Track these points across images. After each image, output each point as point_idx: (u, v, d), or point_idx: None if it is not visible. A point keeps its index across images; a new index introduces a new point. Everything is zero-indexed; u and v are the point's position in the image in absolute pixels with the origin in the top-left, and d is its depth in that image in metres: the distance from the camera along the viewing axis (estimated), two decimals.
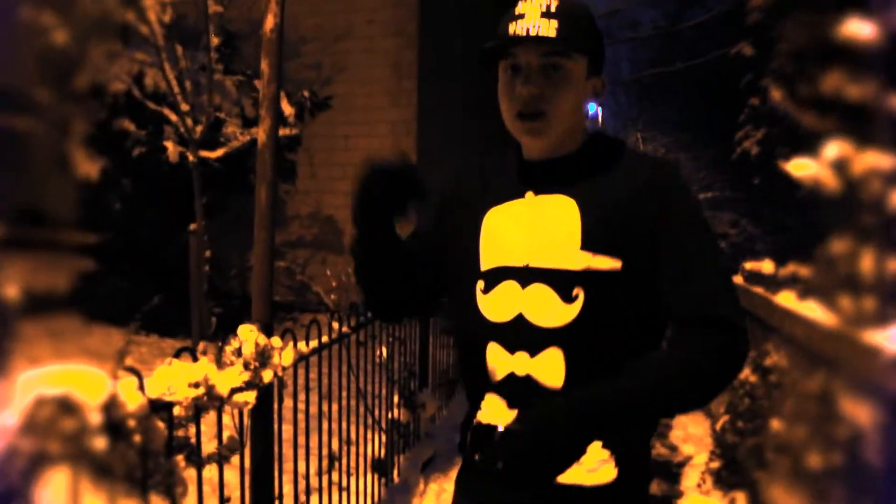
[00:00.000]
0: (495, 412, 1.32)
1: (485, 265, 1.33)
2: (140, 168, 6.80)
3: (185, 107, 5.62)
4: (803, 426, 2.94)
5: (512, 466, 1.20)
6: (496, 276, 1.32)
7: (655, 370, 1.23)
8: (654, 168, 1.31)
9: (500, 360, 1.31)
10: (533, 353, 1.28)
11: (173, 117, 5.82)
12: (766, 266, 3.92)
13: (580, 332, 1.26)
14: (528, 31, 1.25)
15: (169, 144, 5.83)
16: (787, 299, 3.03)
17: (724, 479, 3.76)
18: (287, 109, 6.13)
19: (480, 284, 1.34)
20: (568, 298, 1.26)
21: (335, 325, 2.65)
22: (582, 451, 1.19)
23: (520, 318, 1.29)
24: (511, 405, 1.30)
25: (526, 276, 1.29)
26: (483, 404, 1.34)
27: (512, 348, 1.30)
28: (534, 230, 1.30)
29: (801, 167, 2.75)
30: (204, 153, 5.75)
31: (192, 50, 6.20)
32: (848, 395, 2.47)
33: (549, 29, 1.25)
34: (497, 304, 1.31)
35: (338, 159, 8.40)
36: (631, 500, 1.33)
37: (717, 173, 14.41)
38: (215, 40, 5.55)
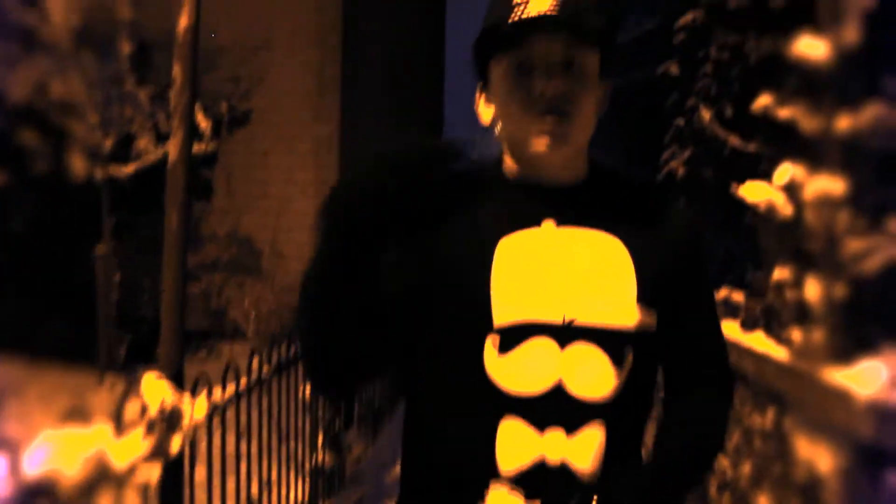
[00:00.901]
0: None
1: (502, 317, 1.01)
2: (44, 184, 6.39)
3: (93, 118, 5.28)
4: (750, 464, 2.82)
5: None
6: (521, 333, 1.01)
7: (696, 438, 1.13)
8: (684, 214, 1.14)
9: (523, 443, 1.01)
10: (570, 432, 1.01)
11: (80, 130, 5.46)
12: None
13: (624, 403, 1.04)
14: (542, 13, 0.98)
15: (75, 159, 5.46)
16: (731, 329, 2.93)
17: None
18: (203, 123, 5.83)
19: (493, 341, 1.01)
20: (619, 362, 1.03)
21: (255, 364, 2.40)
22: None
23: (558, 389, 1.01)
24: (530, 497, 1.01)
25: (567, 334, 1.01)
26: (488, 501, 1.01)
27: (542, 426, 1.00)
28: (574, 273, 1.03)
29: (755, 191, 2.62)
30: (113, 169, 5.41)
31: (103, 58, 5.85)
32: (805, 437, 2.35)
33: (588, 8, 1.01)
34: (524, 370, 1.01)
35: (256, 176, 8.08)
36: None
37: None
38: (127, 48, 5.23)
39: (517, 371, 1.01)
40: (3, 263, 6.36)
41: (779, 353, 2.42)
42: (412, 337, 1.07)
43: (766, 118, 5.00)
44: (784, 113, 4.64)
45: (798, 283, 2.89)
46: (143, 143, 5.99)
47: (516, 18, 0.99)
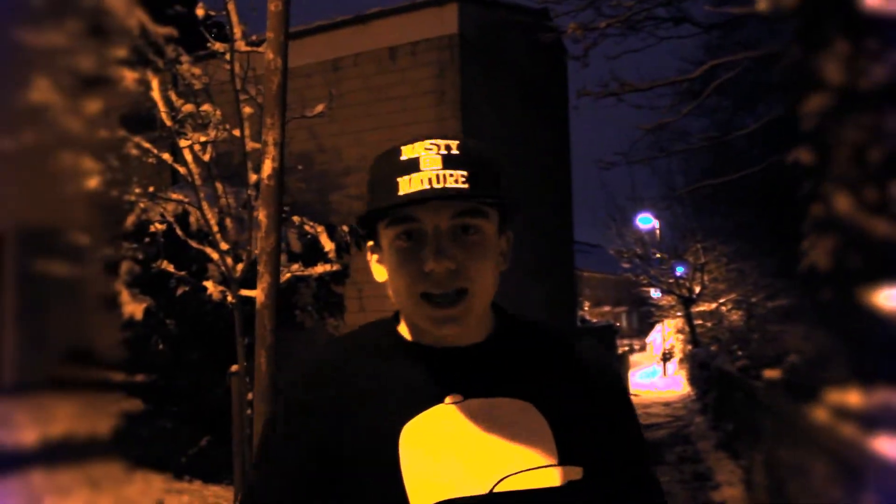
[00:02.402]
0: None
1: (421, 501, 0.96)
2: (183, 308, 6.72)
3: (224, 245, 5.52)
4: None
5: None
6: None
7: None
8: (601, 361, 1.10)
9: None
10: None
11: (215, 256, 5.73)
12: (853, 397, 3.50)
13: None
14: (430, 184, 0.96)
15: (209, 284, 5.71)
16: (887, 446, 2.62)
17: None
18: (327, 245, 5.98)
19: None
20: None
21: None
22: None
23: None
24: None
25: None
26: None
27: None
28: (490, 444, 0.98)
29: (893, 298, 2.38)
30: (244, 292, 5.60)
31: (238, 186, 6.17)
32: None
33: (459, 180, 0.96)
34: None
35: (386, 291, 8.20)
36: None
37: (781, 281, 13.90)
38: (254, 177, 5.48)
39: None
40: (151, 383, 6.67)
41: None
42: None
43: None
44: None
45: None
46: None
47: (402, 193, 0.97)
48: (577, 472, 1.00)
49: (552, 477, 0.98)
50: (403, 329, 1.09)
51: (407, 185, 0.97)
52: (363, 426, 1.00)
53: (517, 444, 0.98)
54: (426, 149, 0.98)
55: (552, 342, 1.10)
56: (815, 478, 3.68)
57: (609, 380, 1.10)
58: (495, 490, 0.96)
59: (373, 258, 1.10)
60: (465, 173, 0.96)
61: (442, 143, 0.99)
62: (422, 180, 0.96)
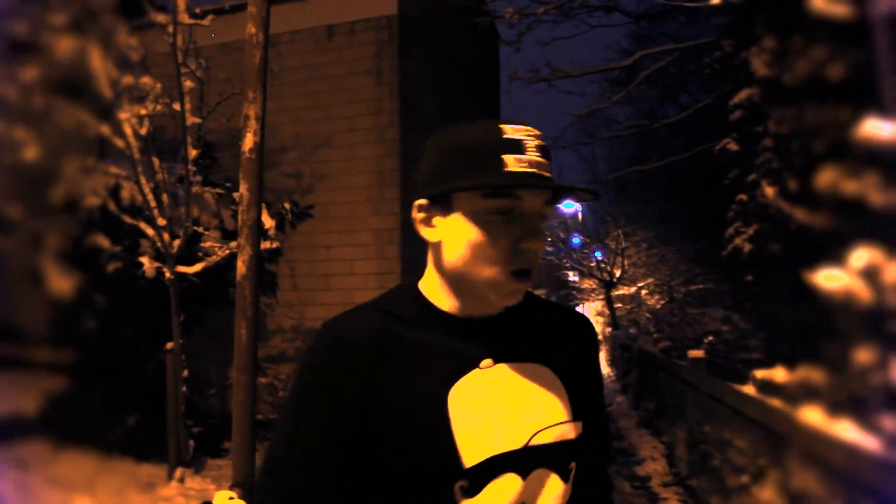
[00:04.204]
0: None
1: (470, 459, 1.01)
2: (116, 284, 6.58)
3: (161, 221, 5.44)
4: None
5: None
6: (489, 471, 1.02)
7: None
8: (582, 323, 1.20)
9: None
10: None
11: (150, 232, 5.64)
12: (779, 374, 3.71)
13: None
14: (535, 168, 0.99)
15: (145, 260, 5.62)
16: (814, 416, 2.81)
17: None
18: (267, 222, 5.95)
19: (461, 486, 1.01)
20: (567, 477, 1.09)
21: None
22: None
23: None
24: None
25: (526, 459, 1.04)
26: None
27: None
28: (520, 404, 1.06)
29: (831, 279, 2.54)
30: (181, 269, 5.54)
31: (171, 161, 6.07)
32: None
33: (549, 169, 1.01)
34: None
35: (320, 270, 8.20)
36: None
37: (700, 266, 14.39)
38: (193, 152, 5.42)
39: None
40: (78, 360, 6.51)
41: (870, 443, 2.30)
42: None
43: (832, 192, 4.89)
44: (851, 187, 4.52)
45: (884, 366, 2.77)
46: (209, 243, 6.13)
47: (511, 170, 0.98)
48: (581, 427, 1.11)
49: (569, 431, 1.08)
50: (433, 297, 1.10)
51: (514, 163, 0.98)
52: (409, 392, 1.03)
53: (543, 403, 1.07)
54: (526, 133, 1.01)
55: (553, 312, 1.19)
56: (738, 450, 3.89)
57: (594, 343, 1.21)
58: (530, 444, 1.04)
59: (423, 215, 1.07)
60: (549, 164, 1.02)
61: (531, 129, 1.02)
62: (529, 163, 0.99)
